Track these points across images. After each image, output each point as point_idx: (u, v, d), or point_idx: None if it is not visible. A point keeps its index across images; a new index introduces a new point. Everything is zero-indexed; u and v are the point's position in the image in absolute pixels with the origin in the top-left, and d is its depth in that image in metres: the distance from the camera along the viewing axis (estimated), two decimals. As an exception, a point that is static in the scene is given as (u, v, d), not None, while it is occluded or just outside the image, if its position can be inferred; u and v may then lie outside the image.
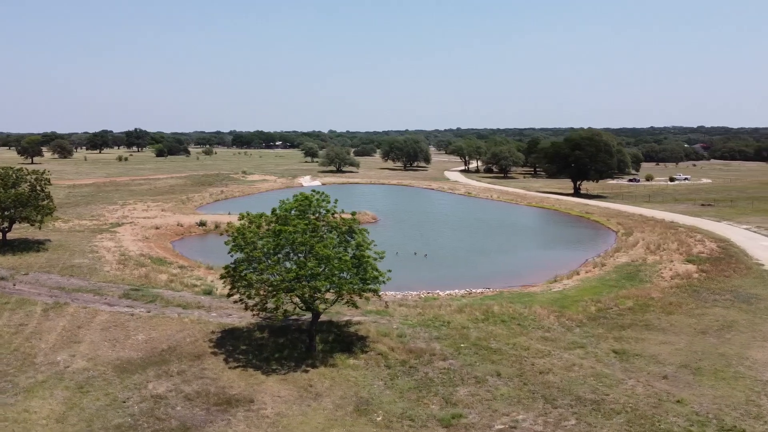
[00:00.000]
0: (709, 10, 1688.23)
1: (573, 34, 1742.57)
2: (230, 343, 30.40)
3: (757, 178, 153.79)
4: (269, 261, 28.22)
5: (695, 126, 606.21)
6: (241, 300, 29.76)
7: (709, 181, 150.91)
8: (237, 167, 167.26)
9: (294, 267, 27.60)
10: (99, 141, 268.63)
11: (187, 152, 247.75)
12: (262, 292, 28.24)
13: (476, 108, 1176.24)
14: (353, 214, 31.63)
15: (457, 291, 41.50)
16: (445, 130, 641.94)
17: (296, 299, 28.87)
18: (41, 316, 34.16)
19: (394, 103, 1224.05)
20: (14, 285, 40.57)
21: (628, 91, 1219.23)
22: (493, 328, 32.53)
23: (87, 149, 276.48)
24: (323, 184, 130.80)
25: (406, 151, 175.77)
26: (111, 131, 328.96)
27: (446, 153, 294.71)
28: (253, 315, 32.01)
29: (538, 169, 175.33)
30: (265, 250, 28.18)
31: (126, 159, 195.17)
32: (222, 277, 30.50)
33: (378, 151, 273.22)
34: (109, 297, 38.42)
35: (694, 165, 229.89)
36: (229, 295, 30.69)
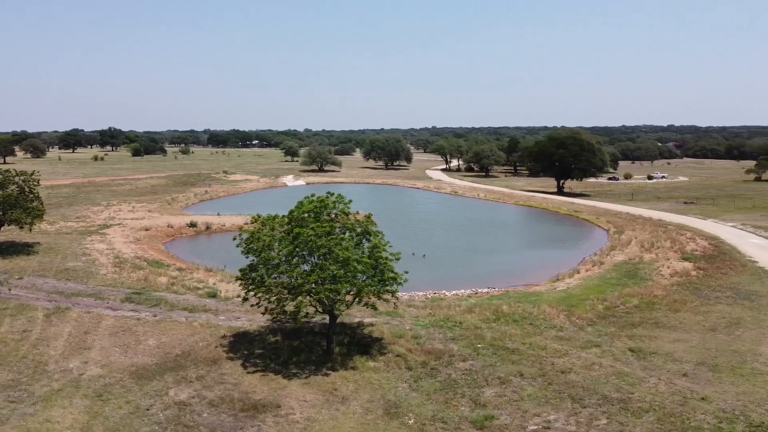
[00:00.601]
0: (680, 11, 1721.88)
1: (545, 33, 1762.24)
2: (245, 347, 29.95)
3: (731, 176, 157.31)
4: (289, 264, 27.85)
5: (666, 125, 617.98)
6: (258, 304, 29.38)
7: (686, 179, 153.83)
8: (217, 167, 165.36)
9: (316, 270, 27.29)
10: (72, 140, 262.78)
11: (164, 151, 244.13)
12: (281, 296, 27.89)
13: (451, 107, 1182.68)
14: (369, 215, 31.36)
15: (463, 291, 41.57)
16: (421, 129, 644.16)
17: (314, 302, 28.60)
18: (44, 321, 33.25)
19: (369, 102, 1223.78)
20: (10, 290, 39.44)
21: (599, 90, 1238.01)
22: (506, 328, 32.63)
23: (60, 148, 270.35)
24: (308, 184, 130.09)
25: (388, 150, 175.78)
26: (82, 130, 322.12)
27: (425, 152, 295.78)
28: (271, 319, 31.65)
29: (518, 168, 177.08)
30: (285, 252, 27.81)
31: (102, 158, 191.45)
32: (238, 279, 29.99)
33: (357, 150, 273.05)
34: (111, 301, 37.58)
35: (669, 163, 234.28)
36: (244, 299, 30.23)
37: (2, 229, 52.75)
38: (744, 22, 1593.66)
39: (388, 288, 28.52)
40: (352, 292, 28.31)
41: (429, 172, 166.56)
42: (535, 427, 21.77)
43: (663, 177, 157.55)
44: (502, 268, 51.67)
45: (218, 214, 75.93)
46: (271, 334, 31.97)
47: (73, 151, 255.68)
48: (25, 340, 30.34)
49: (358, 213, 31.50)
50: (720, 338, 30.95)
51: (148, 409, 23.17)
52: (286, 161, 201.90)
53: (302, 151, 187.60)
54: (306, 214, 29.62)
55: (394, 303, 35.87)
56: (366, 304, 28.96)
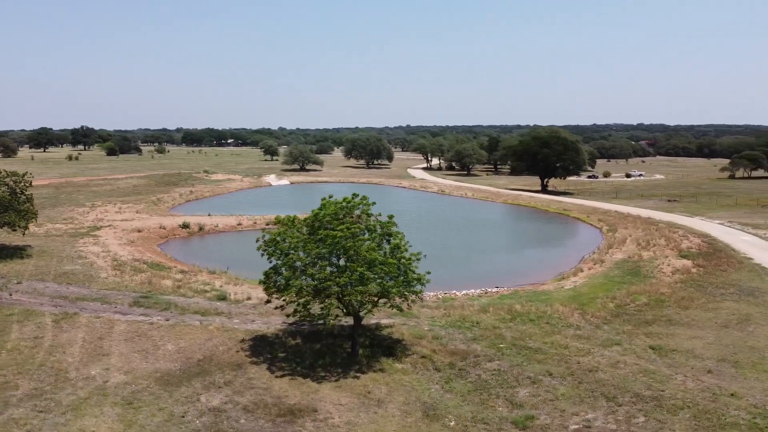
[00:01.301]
0: (646, 12, 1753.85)
1: (517, 32, 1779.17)
2: (267, 351, 29.60)
3: (705, 174, 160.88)
4: (317, 266, 27.61)
5: (635, 123, 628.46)
6: (282, 307, 29.11)
7: (662, 177, 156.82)
8: (196, 166, 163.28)
9: (346, 271, 27.11)
10: (43, 139, 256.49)
11: (139, 151, 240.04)
12: (308, 298, 27.65)
13: (425, 106, 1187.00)
14: (391, 217, 31.21)
15: (473, 291, 41.75)
16: (396, 128, 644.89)
17: (339, 304, 28.43)
18: (54, 327, 32.42)
19: (343, 101, 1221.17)
20: (11, 295, 38.36)
21: (570, 90, 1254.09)
22: (524, 328, 32.87)
23: (30, 147, 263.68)
24: (292, 183, 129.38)
25: (369, 149, 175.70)
26: (51, 129, 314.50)
27: (403, 150, 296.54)
28: (290, 322, 31.38)
29: (498, 167, 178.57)
30: (314, 254, 27.57)
31: (77, 158, 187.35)
32: (262, 282, 29.60)
33: (336, 148, 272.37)
34: (119, 305, 36.82)
35: (643, 161, 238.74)
36: (267, 301, 29.89)
37: (-8, 232, 51.30)
38: (709, 22, 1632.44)
39: (413, 289, 28.50)
40: (378, 294, 28.20)
41: (411, 171, 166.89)
42: (576, 427, 21.98)
43: (641, 175, 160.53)
44: (503, 267, 52.04)
45: (209, 215, 74.97)
46: (291, 337, 31.67)
47: (44, 151, 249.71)
48: (39, 347, 29.53)
49: (380, 214, 31.33)
50: (734, 335, 31.64)
51: (183, 417, 22.75)
52: (266, 160, 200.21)
53: (283, 150, 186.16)
54: (331, 216, 29.31)
55: (409, 304, 35.95)
56: (392, 306, 28.88)
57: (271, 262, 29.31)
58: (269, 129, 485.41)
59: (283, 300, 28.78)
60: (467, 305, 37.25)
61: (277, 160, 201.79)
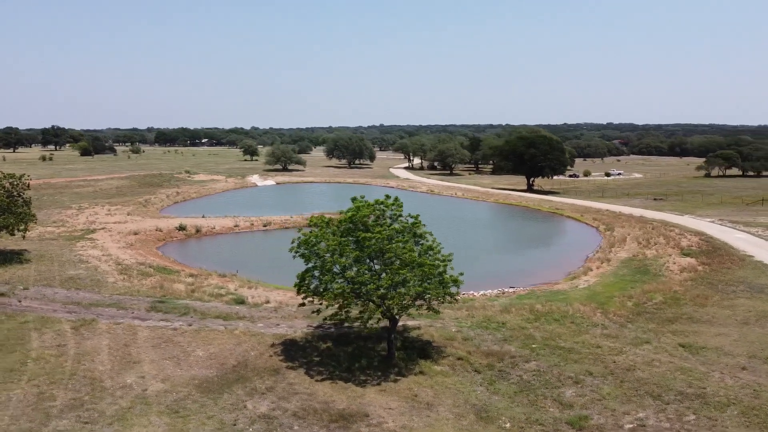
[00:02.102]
0: (614, 13, 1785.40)
1: (487, 32, 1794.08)
2: (300, 355, 29.25)
3: (682, 173, 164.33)
4: (355, 269, 27.38)
5: (605, 122, 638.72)
6: (318, 310, 28.88)
7: (641, 176, 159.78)
8: (176, 166, 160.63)
9: (387, 275, 26.94)
10: (12, 139, 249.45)
11: (114, 151, 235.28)
12: (348, 301, 27.42)
13: (399, 105, 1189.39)
14: (417, 217, 31.06)
15: (490, 291, 41.91)
16: (369, 127, 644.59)
17: (374, 306, 28.24)
18: (74, 334, 31.53)
19: (316, 101, 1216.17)
20: (20, 301, 37.23)
21: (541, 89, 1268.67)
22: (551, 328, 33.11)
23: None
24: (278, 184, 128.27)
25: (351, 148, 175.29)
26: (17, 128, 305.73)
27: (380, 150, 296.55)
28: (320, 326, 31.08)
29: (479, 166, 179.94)
30: (352, 257, 27.33)
31: (51, 159, 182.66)
32: (296, 285, 29.22)
33: (315, 148, 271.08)
34: (135, 311, 36.00)
35: (618, 160, 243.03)
36: (301, 305, 29.59)
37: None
38: (675, 23, 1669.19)
39: (449, 290, 28.48)
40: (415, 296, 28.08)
41: (394, 171, 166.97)
42: (631, 426, 22.20)
43: (620, 174, 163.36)
44: (510, 266, 52.37)
45: (203, 216, 73.84)
46: (321, 341, 31.35)
47: (14, 151, 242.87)
48: (65, 355, 28.68)
49: (410, 215, 31.20)
50: (756, 331, 32.36)
51: (234, 425, 22.33)
52: (246, 160, 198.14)
53: (265, 149, 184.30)
54: (366, 218, 29.07)
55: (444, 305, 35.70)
56: (428, 308, 28.81)
57: (306, 264, 28.93)
58: (242, 128, 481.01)
59: (320, 303, 28.53)
60: (488, 306, 37.37)
61: (256, 160, 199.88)
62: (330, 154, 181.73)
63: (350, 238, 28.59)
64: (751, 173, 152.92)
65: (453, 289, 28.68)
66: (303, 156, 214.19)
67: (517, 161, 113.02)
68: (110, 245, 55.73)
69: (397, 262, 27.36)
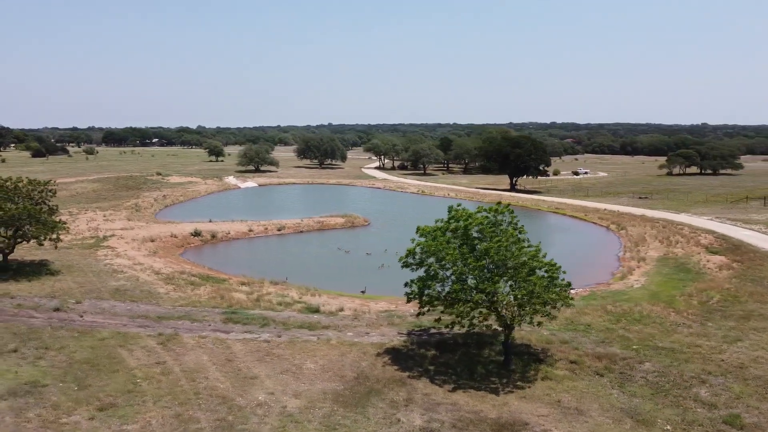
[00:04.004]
0: (559, 14, 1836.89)
1: (430, 31, 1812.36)
2: (412, 364, 28.86)
3: (644, 171, 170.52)
4: (487, 277, 27.30)
5: (549, 122, 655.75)
6: (438, 319, 28.77)
7: (606, 174, 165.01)
8: (142, 168, 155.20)
9: (519, 283, 26.99)
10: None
11: (66, 151, 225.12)
12: (479, 310, 27.35)
13: (349, 103, 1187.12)
14: (515, 221, 31.11)
15: (553, 292, 42.37)
16: (318, 126, 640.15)
17: (493, 313, 28.30)
18: (165, 350, 30.13)
19: (263, 99, 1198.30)
20: (81, 316, 35.29)
21: (486, 89, 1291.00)
22: (637, 328, 33.88)
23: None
24: (260, 186, 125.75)
25: (323, 148, 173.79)
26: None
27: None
28: (409, 332, 30.93)
29: (450, 166, 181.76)
30: (478, 266, 27.22)
31: (4, 161, 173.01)
32: (411, 294, 28.95)
33: (275, 148, 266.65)
34: (211, 323, 34.68)
35: (576, 159, 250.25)
36: (420, 314, 29.33)
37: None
38: (610, 24, 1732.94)
39: (565, 295, 28.80)
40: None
41: (367, 171, 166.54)
42: (785, 423, 23.00)
43: (586, 173, 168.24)
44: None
45: (210, 221, 71.59)
46: (422, 349, 31.05)
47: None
48: (172, 373, 27.33)
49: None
50: (830, 326, 34.11)
51: (403, 440, 21.87)
52: (211, 161, 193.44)
53: (238, 150, 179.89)
54: (484, 227, 28.96)
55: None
56: (545, 314, 28.97)
57: (413, 271, 28.82)
58: (189, 128, 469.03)
59: (441, 312, 28.37)
60: (562, 308, 37.76)
61: (222, 160, 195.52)
62: (302, 154, 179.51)
63: (462, 248, 28.46)
64: (709, 171, 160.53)
65: (569, 294, 29.08)
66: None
67: (503, 161, 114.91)
68: (134, 253, 53.38)
69: (525, 270, 27.40)
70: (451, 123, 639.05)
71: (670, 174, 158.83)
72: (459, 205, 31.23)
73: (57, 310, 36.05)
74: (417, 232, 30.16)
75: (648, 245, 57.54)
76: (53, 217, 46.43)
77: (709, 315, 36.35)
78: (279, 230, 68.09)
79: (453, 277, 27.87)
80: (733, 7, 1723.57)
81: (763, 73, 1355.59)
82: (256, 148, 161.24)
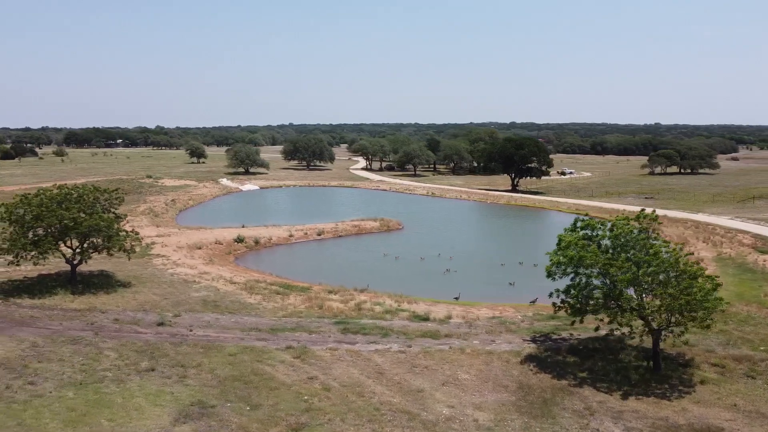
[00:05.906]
0: (512, 12, 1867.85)
1: (398, 30, 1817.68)
2: (563, 372, 28.92)
3: (626, 171, 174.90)
4: (653, 284, 27.62)
5: (508, 122, 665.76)
6: (597, 327, 29.01)
7: (590, 174, 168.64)
8: (127, 171, 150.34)
9: (684, 290, 27.38)
10: None
11: (35, 154, 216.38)
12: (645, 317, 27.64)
13: (312, 103, 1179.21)
14: (650, 222, 31.58)
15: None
16: (278, 126, 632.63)
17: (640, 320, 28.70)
18: (305, 364, 29.46)
19: (222, 99, 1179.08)
20: (191, 330, 34.11)
21: (447, 89, 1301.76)
22: (749, 329, 34.78)
23: None
24: (262, 188, 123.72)
25: (311, 150, 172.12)
26: None
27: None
28: (533, 339, 30.98)
29: (437, 167, 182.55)
30: (648, 276, 27.55)
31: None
32: (576, 302, 29.05)
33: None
34: (330, 334, 34.03)
35: (552, 158, 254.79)
36: (597, 328, 29.81)
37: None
38: (567, 25, 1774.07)
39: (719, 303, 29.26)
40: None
41: (358, 172, 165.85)
42: None
43: (572, 173, 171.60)
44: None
45: (242, 226, 70.08)
46: (558, 356, 31.16)
47: None
48: (331, 389, 26.61)
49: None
50: None
51: (618, 450, 21.91)
52: (193, 162, 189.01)
53: (228, 151, 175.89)
54: (625, 236, 29.29)
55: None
56: (703, 321, 29.07)
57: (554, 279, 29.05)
58: (144, 127, 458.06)
59: (599, 320, 28.60)
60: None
61: (204, 162, 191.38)
62: (290, 156, 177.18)
63: (616, 257, 28.74)
64: (688, 171, 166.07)
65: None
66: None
67: (506, 162, 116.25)
68: (191, 261, 51.83)
69: (685, 278, 27.80)
70: (413, 123, 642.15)
71: (652, 173, 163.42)
72: (586, 214, 31.52)
73: (161, 324, 34.73)
74: (558, 244, 30.31)
75: (694, 246, 59.13)
76: (118, 227, 44.54)
77: (799, 312, 37.65)
78: (318, 235, 67.21)
79: (611, 286, 28.07)
80: (683, 12, 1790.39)
81: (712, 75, 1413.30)
82: (247, 149, 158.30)
